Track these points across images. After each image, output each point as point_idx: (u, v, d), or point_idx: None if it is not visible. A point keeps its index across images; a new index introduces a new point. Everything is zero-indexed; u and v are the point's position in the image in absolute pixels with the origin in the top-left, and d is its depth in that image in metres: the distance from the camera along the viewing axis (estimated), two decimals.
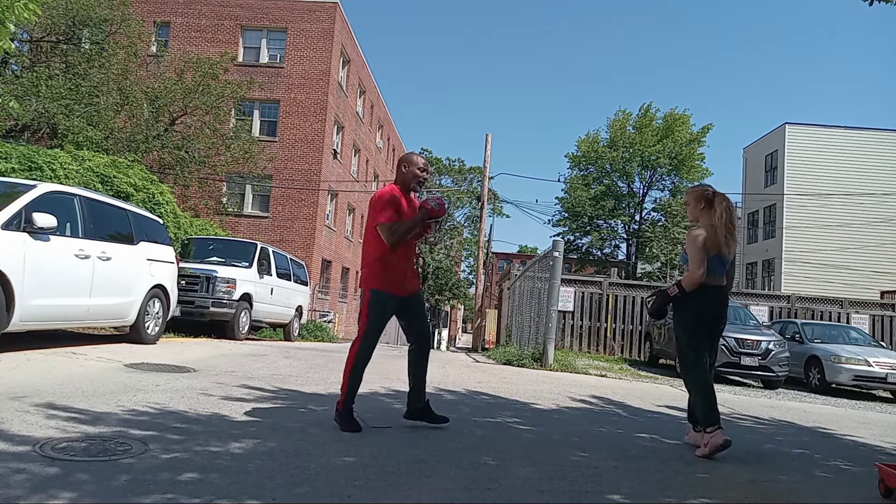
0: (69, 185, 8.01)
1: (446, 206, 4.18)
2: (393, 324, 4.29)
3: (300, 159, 23.68)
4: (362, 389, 5.87)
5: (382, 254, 3.90)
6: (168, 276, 8.37)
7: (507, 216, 71.43)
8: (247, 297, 11.19)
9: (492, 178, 24.35)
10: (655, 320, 4.43)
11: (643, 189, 37.68)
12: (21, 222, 5.67)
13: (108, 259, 6.88)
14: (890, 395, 11.82)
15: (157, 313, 8.16)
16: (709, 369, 4.32)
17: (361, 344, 3.93)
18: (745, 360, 10.96)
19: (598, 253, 38.66)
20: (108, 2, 16.56)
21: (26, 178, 8.03)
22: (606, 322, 16.27)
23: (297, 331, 14.25)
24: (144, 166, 13.46)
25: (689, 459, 4.16)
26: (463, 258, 56.11)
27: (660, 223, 36.60)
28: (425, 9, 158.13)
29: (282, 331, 13.87)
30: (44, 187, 6.28)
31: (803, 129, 30.88)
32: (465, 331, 70.17)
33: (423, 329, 4.21)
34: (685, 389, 4.43)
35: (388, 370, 7.85)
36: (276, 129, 23.93)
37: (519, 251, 73.74)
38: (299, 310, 14.03)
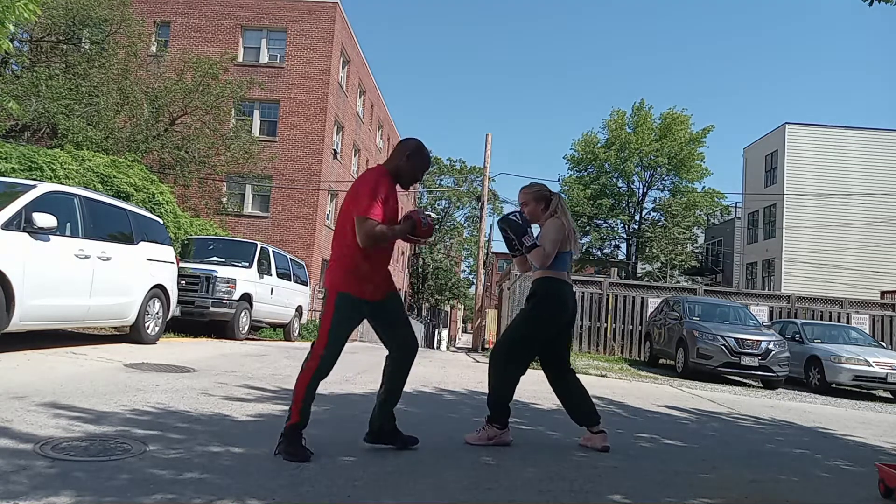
0: (69, 185, 8.01)
1: (434, 229, 3.59)
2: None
3: (300, 159, 23.66)
4: (362, 390, 5.88)
5: (357, 250, 3.25)
6: (168, 276, 8.37)
7: None
8: (247, 297, 11.19)
9: (492, 178, 24.37)
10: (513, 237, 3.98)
11: (643, 189, 37.66)
12: (21, 222, 5.67)
13: (108, 259, 6.89)
14: (890, 395, 11.82)
15: (157, 313, 8.16)
16: (566, 363, 4.17)
17: (323, 356, 3.26)
18: (745, 360, 10.96)
19: (598, 253, 38.58)
20: (108, 2, 16.54)
21: (26, 178, 8.02)
22: (606, 322, 16.25)
23: (298, 331, 14.25)
24: (144, 166, 13.46)
25: (690, 459, 4.17)
26: (463, 258, 56.14)
27: (660, 223, 36.56)
28: (425, 9, 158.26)
29: (282, 331, 13.87)
30: (44, 187, 6.28)
31: (803, 129, 30.84)
32: (465, 331, 70.10)
33: (408, 333, 3.50)
34: (494, 375, 4.05)
35: None
36: (276, 129, 23.91)
37: None
38: (299, 310, 14.03)
